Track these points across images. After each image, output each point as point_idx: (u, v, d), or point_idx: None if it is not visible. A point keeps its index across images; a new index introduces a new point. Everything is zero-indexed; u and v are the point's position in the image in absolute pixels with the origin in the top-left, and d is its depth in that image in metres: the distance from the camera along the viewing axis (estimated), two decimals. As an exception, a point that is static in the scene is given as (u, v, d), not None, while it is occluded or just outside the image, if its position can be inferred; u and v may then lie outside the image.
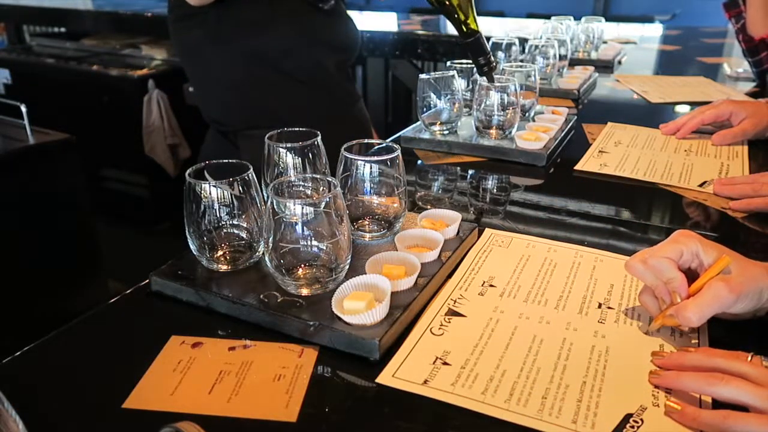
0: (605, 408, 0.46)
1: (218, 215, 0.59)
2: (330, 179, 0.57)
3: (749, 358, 0.46)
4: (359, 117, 1.35)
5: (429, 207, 0.77)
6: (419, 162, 0.99)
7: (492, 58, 0.94)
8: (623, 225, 0.78)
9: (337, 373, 0.50)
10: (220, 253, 0.61)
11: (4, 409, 0.32)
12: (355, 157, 0.65)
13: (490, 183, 0.94)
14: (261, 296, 0.57)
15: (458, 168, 0.98)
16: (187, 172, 0.59)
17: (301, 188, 0.63)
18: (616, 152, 1.01)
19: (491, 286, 0.62)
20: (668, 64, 1.90)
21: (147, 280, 0.62)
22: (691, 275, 0.54)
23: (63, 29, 3.47)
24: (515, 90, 0.97)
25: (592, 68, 1.51)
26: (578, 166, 0.96)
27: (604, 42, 1.90)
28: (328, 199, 0.54)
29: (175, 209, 0.69)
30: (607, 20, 1.90)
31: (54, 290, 1.70)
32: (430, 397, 0.47)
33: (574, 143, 1.07)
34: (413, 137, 1.04)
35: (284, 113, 1.19)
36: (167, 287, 0.60)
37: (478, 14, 0.93)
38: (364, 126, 1.37)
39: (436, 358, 0.52)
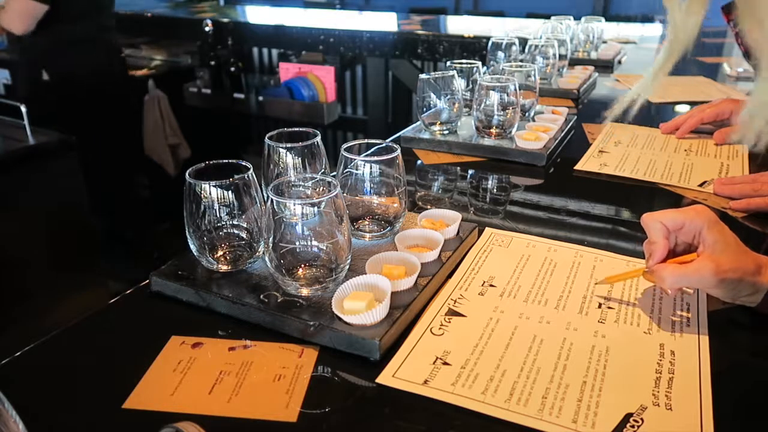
0: (605, 407, 0.46)
1: (218, 215, 0.59)
2: (330, 179, 0.57)
3: None
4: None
5: (429, 207, 0.77)
6: (419, 162, 0.99)
7: None
8: (623, 225, 0.78)
9: (338, 373, 0.50)
10: (220, 253, 0.61)
11: (4, 409, 0.32)
12: (355, 157, 0.65)
13: (490, 183, 0.94)
14: (261, 296, 0.57)
15: (458, 168, 0.98)
16: (187, 172, 0.59)
17: (301, 188, 0.63)
18: (616, 152, 1.01)
19: (491, 285, 0.62)
20: (668, 63, 1.90)
21: (147, 280, 0.62)
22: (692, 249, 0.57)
23: (63, 29, 3.46)
24: (515, 90, 0.97)
25: (591, 68, 1.51)
26: (578, 166, 0.96)
27: (604, 42, 1.90)
28: (328, 199, 0.54)
29: (175, 209, 0.69)
30: (607, 20, 1.90)
31: (54, 290, 1.70)
32: (430, 397, 0.47)
33: (574, 143, 1.07)
34: (413, 137, 1.04)
35: None
36: (167, 287, 0.60)
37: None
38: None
39: (436, 358, 0.52)
